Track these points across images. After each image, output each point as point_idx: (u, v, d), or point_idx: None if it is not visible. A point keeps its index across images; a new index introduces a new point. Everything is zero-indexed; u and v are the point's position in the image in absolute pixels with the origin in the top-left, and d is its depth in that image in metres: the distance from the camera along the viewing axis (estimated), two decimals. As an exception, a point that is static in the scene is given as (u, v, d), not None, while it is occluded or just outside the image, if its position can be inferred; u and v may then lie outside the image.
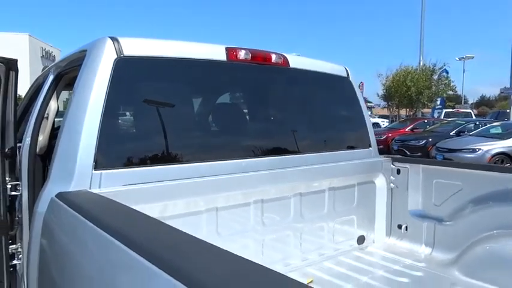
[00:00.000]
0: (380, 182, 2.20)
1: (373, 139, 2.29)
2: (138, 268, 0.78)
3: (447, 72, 22.03)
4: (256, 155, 1.82)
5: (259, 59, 1.89)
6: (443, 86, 21.50)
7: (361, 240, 2.16)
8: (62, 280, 1.19)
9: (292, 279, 0.66)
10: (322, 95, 2.23)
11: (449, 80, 21.80)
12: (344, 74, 2.25)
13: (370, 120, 2.35)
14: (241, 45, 1.88)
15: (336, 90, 2.26)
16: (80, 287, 1.07)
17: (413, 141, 12.08)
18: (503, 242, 1.76)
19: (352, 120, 2.28)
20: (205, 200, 1.59)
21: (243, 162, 1.74)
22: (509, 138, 9.62)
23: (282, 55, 1.97)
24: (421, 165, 2.13)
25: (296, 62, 2.02)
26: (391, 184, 2.22)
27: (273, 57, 1.93)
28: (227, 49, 1.78)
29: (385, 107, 28.21)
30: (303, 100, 2.14)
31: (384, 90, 23.18)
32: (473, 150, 9.07)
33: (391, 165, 2.22)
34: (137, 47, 1.55)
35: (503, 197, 1.79)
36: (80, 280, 1.08)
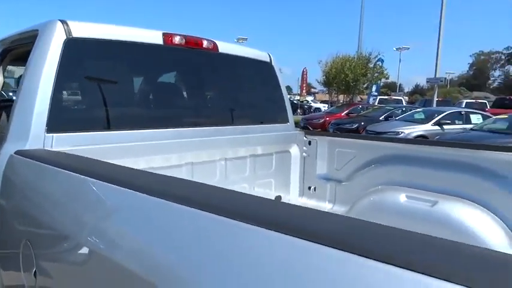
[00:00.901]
0: (294, 151, 2.64)
1: (290, 116, 2.72)
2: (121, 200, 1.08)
3: (382, 61, 23.48)
4: (189, 126, 2.17)
5: (192, 43, 2.22)
6: (377, 74, 22.94)
7: (278, 199, 2.60)
8: (22, 230, 1.47)
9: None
10: (247, 77, 2.60)
11: (383, 69, 23.28)
12: (267, 60, 2.64)
13: (288, 100, 2.77)
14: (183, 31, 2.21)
15: (259, 73, 2.64)
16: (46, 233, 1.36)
17: (347, 125, 13.00)
18: (383, 195, 2.27)
19: (273, 99, 2.69)
20: (144, 161, 1.92)
21: (178, 130, 2.08)
22: (428, 122, 10.73)
23: (212, 41, 2.31)
24: (327, 137, 2.60)
25: (225, 47, 2.37)
26: (304, 153, 2.67)
27: (204, 42, 2.26)
28: (164, 34, 2.09)
29: (326, 93, 29.46)
30: (231, 81, 2.51)
31: (324, 77, 24.28)
32: (397, 133, 10.03)
33: (304, 138, 2.67)
34: (84, 29, 1.82)
35: (383, 161, 2.30)
36: (47, 227, 1.36)
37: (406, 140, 2.46)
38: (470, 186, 2.00)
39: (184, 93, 2.44)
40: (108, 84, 1.97)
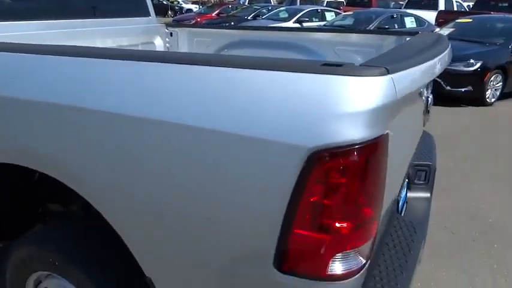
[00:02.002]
0: (158, 42, 2.94)
1: (151, 10, 2.95)
2: None
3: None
4: (53, 18, 2.30)
5: None
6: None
7: None
8: None
9: None
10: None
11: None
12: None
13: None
14: None
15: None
16: None
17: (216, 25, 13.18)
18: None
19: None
20: None
21: (46, 23, 2.21)
22: (290, 20, 11.54)
23: None
24: (186, 29, 2.94)
25: None
26: (167, 44, 2.99)
27: None
28: None
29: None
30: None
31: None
32: (263, 31, 10.65)
33: (166, 30, 2.97)
34: None
35: (232, 46, 2.77)
36: None
37: (250, 27, 2.94)
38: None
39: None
40: None
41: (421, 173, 2.00)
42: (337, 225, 0.91)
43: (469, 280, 2.46)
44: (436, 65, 1.25)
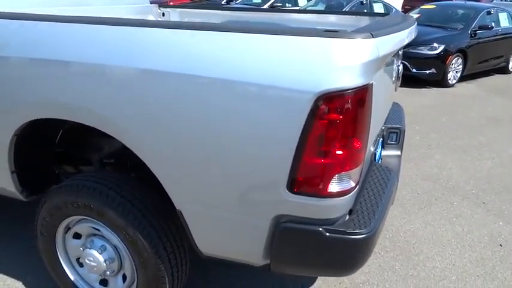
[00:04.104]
0: (152, 21, 3.13)
1: (144, -9, 3.13)
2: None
3: None
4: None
5: None
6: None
7: None
8: None
9: None
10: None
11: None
12: None
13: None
14: None
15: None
16: None
17: None
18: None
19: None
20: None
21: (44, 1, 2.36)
22: (265, 4, 11.72)
23: None
24: (177, 9, 3.15)
25: None
26: (159, 23, 3.19)
27: None
28: None
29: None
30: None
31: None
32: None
33: (158, 10, 3.16)
34: None
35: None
36: None
37: (239, 8, 3.18)
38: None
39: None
40: None
41: (393, 135, 2.33)
42: (336, 152, 1.21)
43: (433, 230, 2.85)
44: (405, 35, 1.56)
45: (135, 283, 1.72)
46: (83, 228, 1.76)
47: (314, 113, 1.16)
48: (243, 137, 1.24)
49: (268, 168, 1.25)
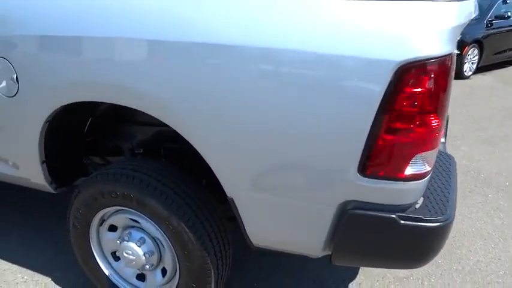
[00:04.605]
0: None
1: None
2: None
3: None
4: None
5: None
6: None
7: None
8: None
9: None
10: None
11: None
12: None
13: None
14: None
15: None
16: None
17: None
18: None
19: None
20: None
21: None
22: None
23: None
24: None
25: None
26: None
27: None
28: None
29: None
30: None
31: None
32: None
33: None
34: None
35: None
36: None
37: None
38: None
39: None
40: None
41: None
42: (416, 130, 1.09)
43: (471, 223, 2.73)
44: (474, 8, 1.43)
45: (177, 277, 1.61)
46: (119, 219, 1.65)
47: (395, 85, 1.04)
48: (311, 115, 1.11)
49: (338, 149, 1.13)
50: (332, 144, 1.13)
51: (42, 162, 1.69)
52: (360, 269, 2.19)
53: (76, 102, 1.48)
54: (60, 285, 2.00)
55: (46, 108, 1.50)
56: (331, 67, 1.07)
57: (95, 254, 1.75)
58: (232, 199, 1.34)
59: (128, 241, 1.61)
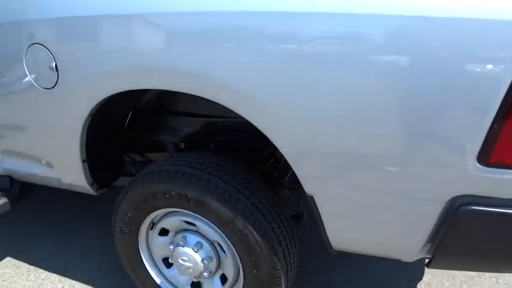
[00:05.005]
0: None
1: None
2: None
3: None
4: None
5: None
6: None
7: None
8: None
9: None
10: None
11: None
12: None
13: None
14: None
15: None
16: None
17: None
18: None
19: None
20: None
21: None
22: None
23: None
24: None
25: None
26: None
27: None
28: None
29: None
30: None
31: None
32: None
33: None
34: None
35: None
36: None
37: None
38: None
39: None
40: None
41: None
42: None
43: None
44: None
45: (240, 285, 1.43)
46: (172, 222, 1.48)
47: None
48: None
49: (452, 132, 0.93)
50: (445, 126, 0.93)
51: (84, 161, 1.52)
52: (426, 269, 2.00)
53: (122, 92, 1.30)
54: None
55: (92, 98, 1.32)
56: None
57: (144, 261, 1.58)
58: (312, 196, 1.16)
59: (183, 246, 1.44)
